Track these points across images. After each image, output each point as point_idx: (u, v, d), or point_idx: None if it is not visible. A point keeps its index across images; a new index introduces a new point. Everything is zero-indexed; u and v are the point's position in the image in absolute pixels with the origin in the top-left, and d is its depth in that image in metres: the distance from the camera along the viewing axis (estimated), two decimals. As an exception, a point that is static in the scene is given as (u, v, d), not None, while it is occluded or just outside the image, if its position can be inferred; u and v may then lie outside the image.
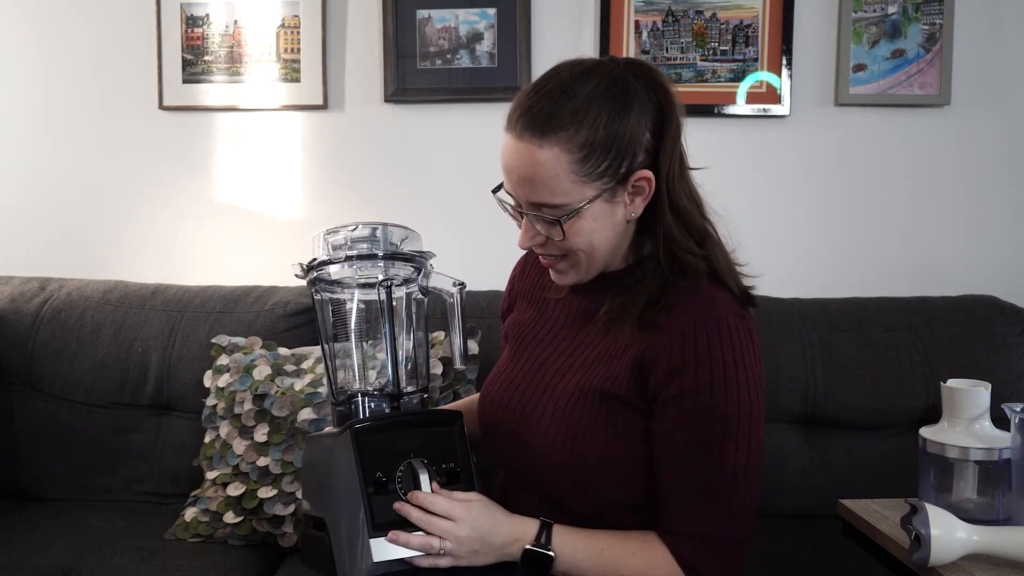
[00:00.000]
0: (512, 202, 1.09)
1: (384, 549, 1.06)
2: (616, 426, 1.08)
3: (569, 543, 1.07)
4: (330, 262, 1.17)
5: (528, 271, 1.32)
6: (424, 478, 1.09)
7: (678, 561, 1.05)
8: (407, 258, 1.17)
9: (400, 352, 1.19)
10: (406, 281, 1.19)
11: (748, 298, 1.12)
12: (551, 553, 1.06)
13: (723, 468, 1.03)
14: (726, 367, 1.02)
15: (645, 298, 1.07)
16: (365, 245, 1.17)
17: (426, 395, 1.22)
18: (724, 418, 1.02)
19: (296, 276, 1.20)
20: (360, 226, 1.17)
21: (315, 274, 1.18)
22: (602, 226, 1.06)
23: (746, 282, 1.12)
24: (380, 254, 1.16)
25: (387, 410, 1.17)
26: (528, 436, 1.13)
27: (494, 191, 1.13)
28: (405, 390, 1.19)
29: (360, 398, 1.17)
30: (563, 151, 1.01)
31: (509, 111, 1.06)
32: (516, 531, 1.08)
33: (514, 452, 1.17)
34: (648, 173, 1.05)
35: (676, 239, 1.08)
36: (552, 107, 1.02)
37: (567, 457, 1.09)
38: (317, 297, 1.21)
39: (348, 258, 1.15)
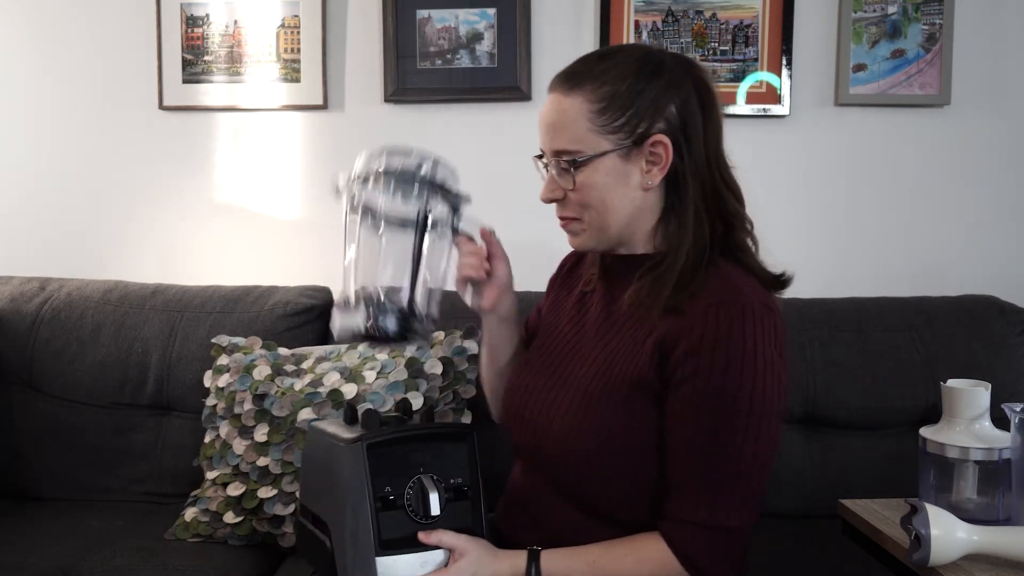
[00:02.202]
0: (543, 160, 1.14)
1: (389, 568, 1.05)
2: (634, 410, 1.08)
3: (561, 566, 1.08)
4: (370, 177, 1.14)
5: (570, 266, 1.34)
6: (434, 497, 1.08)
7: (673, 548, 1.05)
8: (446, 192, 1.15)
9: (421, 270, 1.14)
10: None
11: (779, 283, 1.15)
12: None
13: (728, 455, 1.03)
14: (744, 353, 1.02)
15: (673, 283, 1.07)
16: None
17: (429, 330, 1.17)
18: (735, 404, 1.02)
19: (336, 188, 1.18)
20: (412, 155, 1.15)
21: (355, 189, 1.16)
22: (615, 184, 1.09)
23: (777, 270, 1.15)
24: (418, 184, 1.13)
25: (394, 329, 1.12)
26: (549, 421, 1.13)
27: (534, 157, 1.17)
28: (419, 311, 1.14)
29: (375, 311, 1.12)
30: (585, 100, 1.08)
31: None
32: (505, 572, 1.08)
33: (535, 440, 1.17)
34: (664, 139, 1.07)
35: (702, 220, 1.10)
36: (586, 67, 1.11)
37: (582, 440, 1.09)
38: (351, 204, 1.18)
39: (387, 175, 1.13)
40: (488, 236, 1.23)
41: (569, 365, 1.16)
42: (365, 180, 1.16)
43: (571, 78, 1.09)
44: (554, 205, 1.15)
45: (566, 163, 1.09)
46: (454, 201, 1.17)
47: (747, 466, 1.03)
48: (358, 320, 1.13)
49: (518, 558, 1.08)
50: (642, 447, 1.08)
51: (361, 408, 1.17)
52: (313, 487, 1.19)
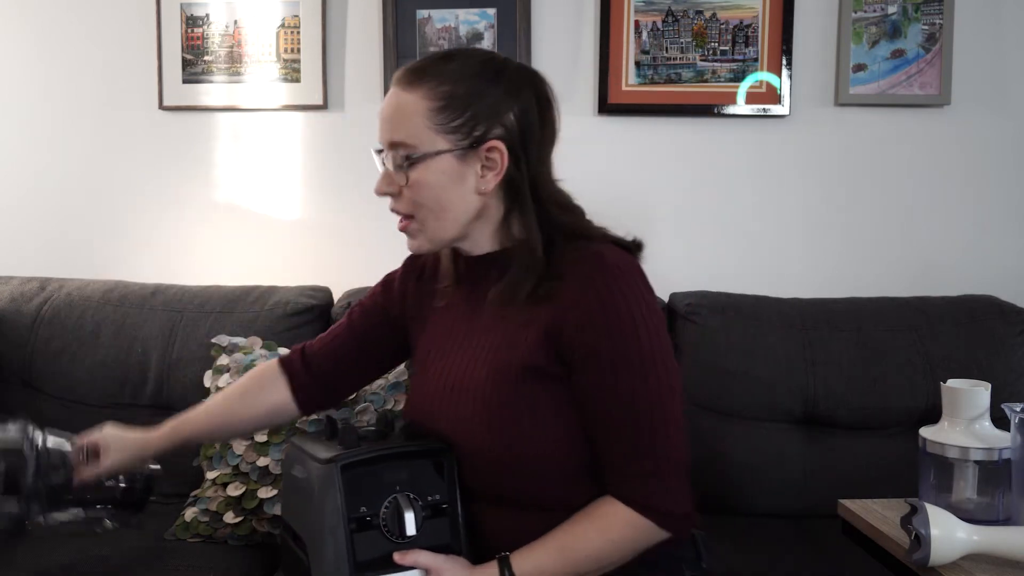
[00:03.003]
0: (379, 154, 1.13)
1: None
2: (542, 400, 1.09)
3: (532, 563, 1.08)
4: None
5: (419, 275, 1.31)
6: (410, 516, 1.07)
7: (631, 505, 1.07)
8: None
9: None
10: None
11: (636, 246, 1.16)
12: None
13: (650, 402, 1.07)
14: (630, 307, 1.06)
15: (534, 279, 1.09)
16: None
17: None
18: (639, 355, 1.06)
19: None
20: None
21: None
22: (449, 184, 1.09)
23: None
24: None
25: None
26: (458, 436, 1.13)
27: (376, 151, 1.16)
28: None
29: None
30: (423, 98, 1.08)
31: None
32: None
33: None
34: (501, 145, 1.08)
35: (545, 225, 1.12)
36: (428, 65, 1.11)
37: (496, 445, 1.09)
38: None
39: None
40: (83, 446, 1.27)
41: (458, 378, 1.15)
42: None
43: (413, 74, 1.10)
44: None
45: (402, 158, 1.09)
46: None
47: (666, 405, 1.08)
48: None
49: (491, 569, 1.07)
50: (561, 430, 1.09)
51: (340, 417, 1.17)
52: (292, 504, 1.19)
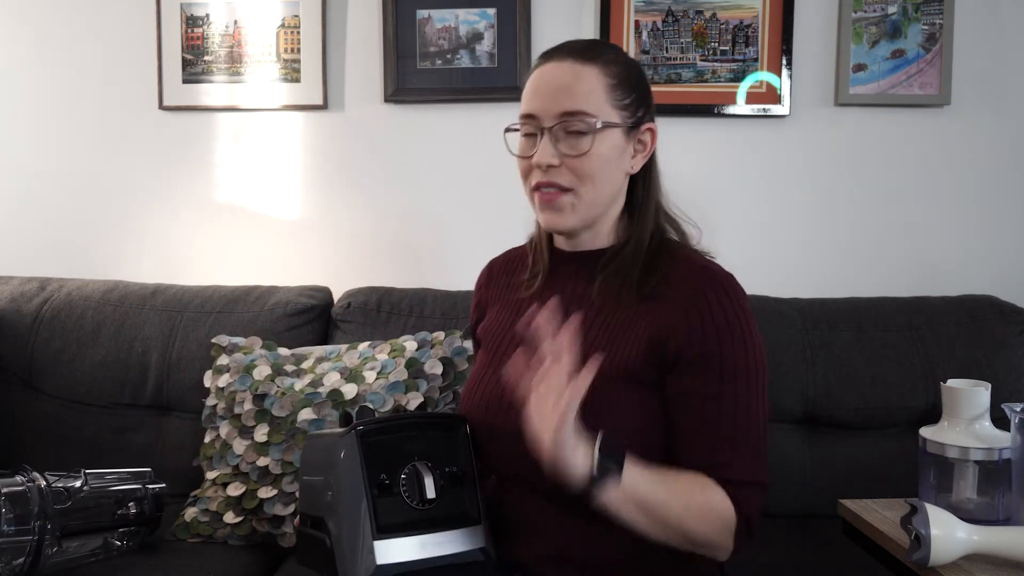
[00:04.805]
0: (530, 128, 1.13)
1: (387, 551, 1.05)
2: (631, 404, 1.09)
3: (632, 476, 1.01)
4: None
5: (496, 278, 1.32)
6: (429, 482, 1.08)
7: (737, 507, 1.05)
8: None
9: None
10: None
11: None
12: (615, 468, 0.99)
13: (748, 417, 1.07)
14: (741, 326, 1.08)
15: (640, 266, 1.12)
16: None
17: None
18: (745, 373, 1.08)
19: None
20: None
21: None
22: (615, 160, 1.12)
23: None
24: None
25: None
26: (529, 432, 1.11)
27: (506, 130, 1.17)
28: None
29: None
30: (601, 73, 1.11)
31: (543, 53, 1.16)
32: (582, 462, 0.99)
33: (517, 452, 1.11)
34: (654, 126, 1.16)
35: (660, 215, 1.18)
36: (594, 45, 1.15)
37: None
38: None
39: None
40: None
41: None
42: None
43: (583, 51, 1.12)
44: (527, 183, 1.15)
45: (583, 124, 1.09)
46: None
47: (762, 424, 1.09)
48: None
49: (591, 449, 1.00)
50: (642, 436, 1.08)
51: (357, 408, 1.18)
52: (311, 491, 1.19)
